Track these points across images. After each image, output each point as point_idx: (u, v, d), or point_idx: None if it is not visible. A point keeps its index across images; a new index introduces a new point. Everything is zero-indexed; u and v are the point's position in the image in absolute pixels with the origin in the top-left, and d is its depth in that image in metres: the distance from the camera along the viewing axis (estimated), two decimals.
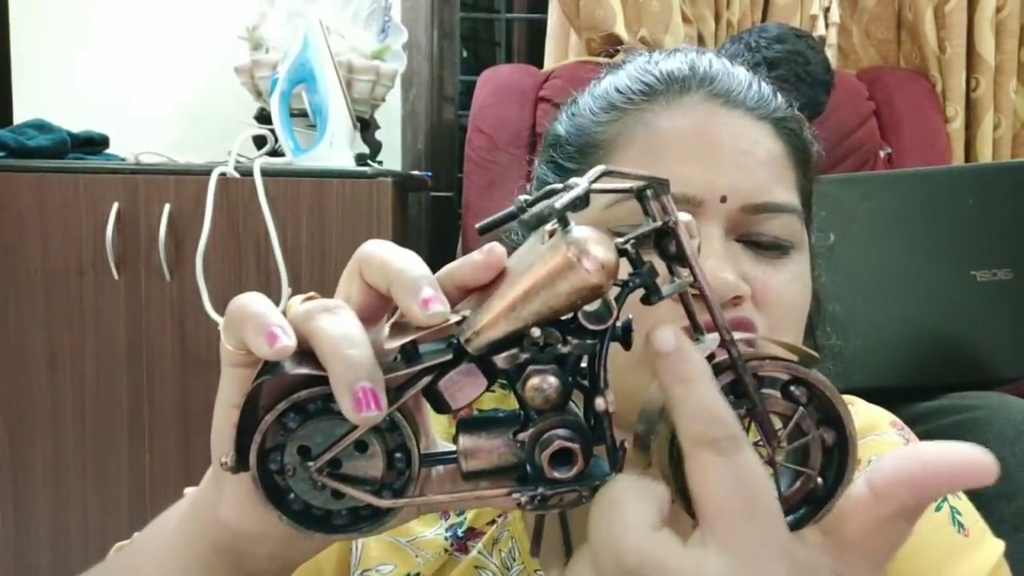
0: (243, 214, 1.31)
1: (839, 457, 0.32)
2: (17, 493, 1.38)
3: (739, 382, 0.31)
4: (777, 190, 0.50)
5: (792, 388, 0.32)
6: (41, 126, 1.46)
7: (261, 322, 0.31)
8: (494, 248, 0.32)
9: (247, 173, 1.30)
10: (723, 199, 0.47)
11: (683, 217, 0.32)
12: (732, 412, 0.30)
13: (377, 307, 0.34)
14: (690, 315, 0.32)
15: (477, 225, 0.33)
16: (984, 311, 1.13)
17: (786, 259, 0.50)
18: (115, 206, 1.32)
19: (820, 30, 1.88)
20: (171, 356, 1.35)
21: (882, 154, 1.81)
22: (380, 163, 1.62)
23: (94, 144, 1.54)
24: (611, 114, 0.53)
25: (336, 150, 1.37)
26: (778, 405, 0.32)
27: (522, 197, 0.31)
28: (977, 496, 1.00)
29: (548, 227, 0.31)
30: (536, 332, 0.31)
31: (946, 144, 1.84)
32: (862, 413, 0.60)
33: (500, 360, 0.31)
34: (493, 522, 0.55)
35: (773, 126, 0.52)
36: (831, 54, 1.87)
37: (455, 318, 0.31)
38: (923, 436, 0.70)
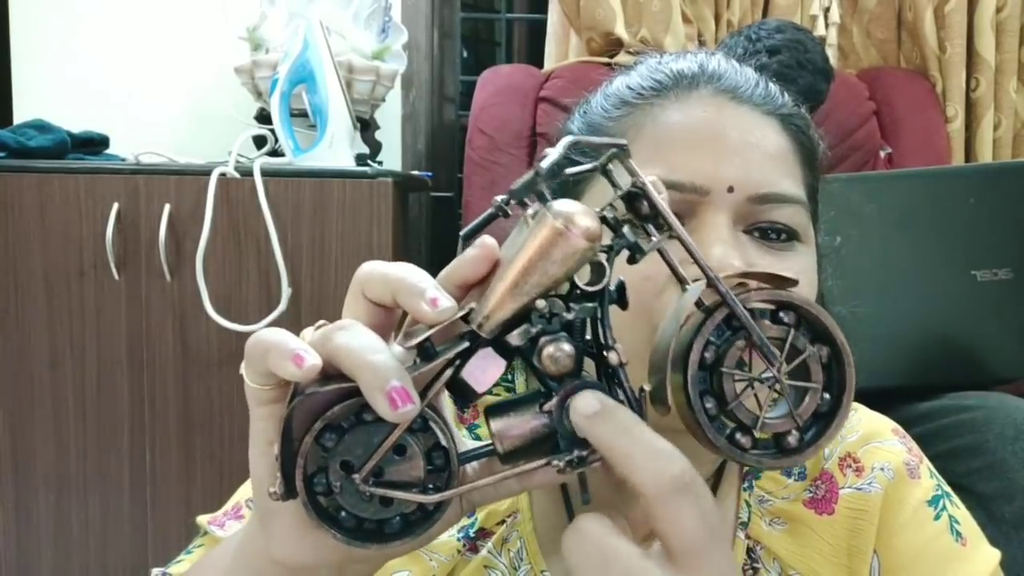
0: (243, 214, 1.31)
1: (837, 371, 0.34)
2: (18, 493, 1.38)
3: (733, 315, 0.33)
4: (783, 182, 0.50)
5: (781, 314, 0.34)
6: (41, 126, 1.46)
7: (284, 349, 0.32)
8: (486, 240, 0.34)
9: (247, 173, 1.30)
10: (730, 189, 0.48)
11: (649, 177, 0.34)
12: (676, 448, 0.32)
13: (384, 324, 0.35)
14: (672, 268, 0.34)
15: (461, 232, 0.35)
16: (984, 311, 1.13)
17: (792, 252, 0.51)
18: (115, 206, 1.32)
19: (820, 30, 1.88)
20: (171, 356, 1.35)
21: (882, 154, 1.81)
22: (380, 163, 1.62)
23: (94, 144, 1.54)
24: (622, 110, 0.54)
25: (336, 150, 1.37)
26: (772, 331, 0.34)
27: (499, 198, 0.33)
28: (978, 497, 1.01)
29: (529, 212, 0.33)
30: (541, 304, 0.33)
31: (946, 144, 1.84)
32: (864, 420, 0.60)
33: (513, 338, 0.33)
34: (503, 522, 0.56)
35: (780, 122, 0.53)
36: (831, 54, 1.87)
37: (463, 312, 0.33)
38: (923, 436, 0.70)
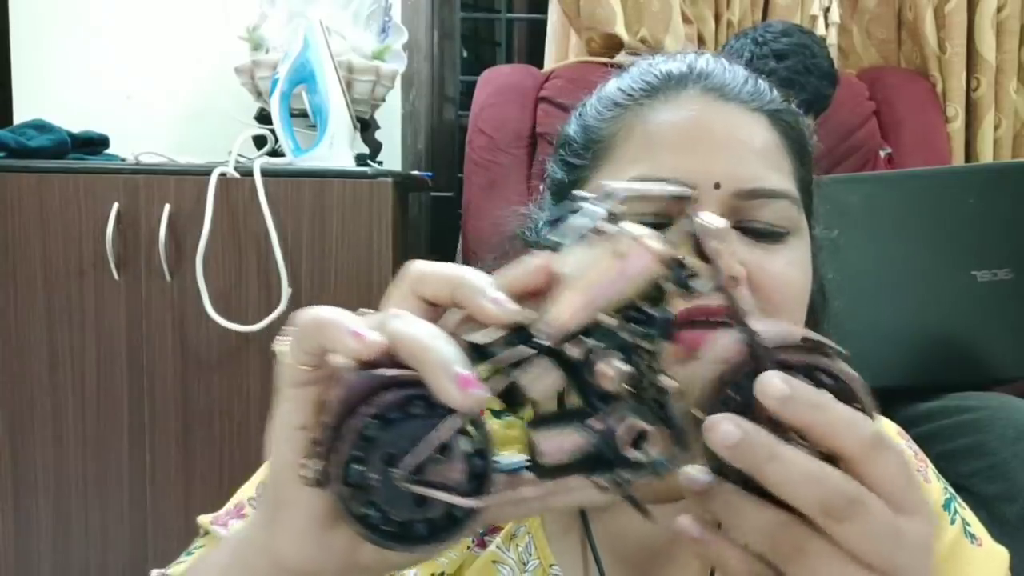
0: (243, 214, 1.31)
1: None
2: (17, 493, 1.38)
3: (760, 370, 0.33)
4: (772, 177, 0.51)
5: (817, 374, 0.34)
6: (41, 126, 1.46)
7: (343, 325, 0.31)
8: (543, 255, 0.34)
9: (247, 173, 1.30)
10: (717, 185, 0.49)
11: (718, 222, 0.35)
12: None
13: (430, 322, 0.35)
14: (733, 307, 0.35)
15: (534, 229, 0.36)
16: (984, 311, 1.13)
17: (782, 245, 0.51)
18: (115, 206, 1.31)
19: (820, 30, 1.88)
20: (171, 356, 1.35)
21: (882, 154, 1.81)
22: (380, 163, 1.62)
23: (94, 144, 1.54)
24: (614, 111, 0.55)
25: (336, 150, 1.37)
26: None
27: (578, 192, 0.35)
28: (979, 498, 1.01)
29: (596, 229, 0.34)
30: (605, 321, 0.33)
31: (946, 144, 1.84)
32: None
33: (571, 350, 0.33)
34: None
35: (768, 118, 0.53)
36: (831, 54, 1.87)
37: (521, 317, 0.32)
38: (925, 437, 0.70)
